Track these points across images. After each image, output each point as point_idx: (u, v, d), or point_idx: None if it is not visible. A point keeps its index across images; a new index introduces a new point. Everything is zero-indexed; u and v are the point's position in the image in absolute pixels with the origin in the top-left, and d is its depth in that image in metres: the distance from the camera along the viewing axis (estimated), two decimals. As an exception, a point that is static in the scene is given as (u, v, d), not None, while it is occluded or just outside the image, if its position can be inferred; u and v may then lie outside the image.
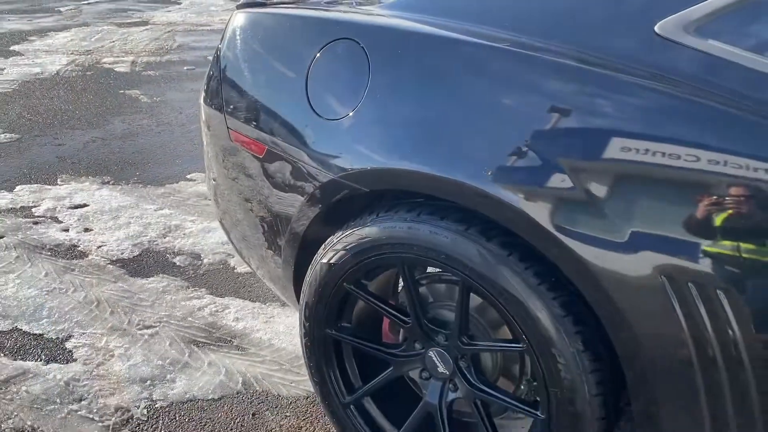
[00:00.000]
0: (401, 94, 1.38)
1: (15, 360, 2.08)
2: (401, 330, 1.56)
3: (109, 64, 5.84)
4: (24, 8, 8.63)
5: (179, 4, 9.17)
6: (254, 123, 1.62)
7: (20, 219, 3.00)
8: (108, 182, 3.42)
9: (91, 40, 6.77)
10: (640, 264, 1.11)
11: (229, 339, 2.20)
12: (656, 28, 1.19)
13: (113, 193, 3.29)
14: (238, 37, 1.74)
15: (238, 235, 1.90)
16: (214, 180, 1.92)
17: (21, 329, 2.23)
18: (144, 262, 2.67)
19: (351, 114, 1.42)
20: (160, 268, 2.63)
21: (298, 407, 1.90)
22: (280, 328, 2.25)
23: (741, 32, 1.16)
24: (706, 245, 1.07)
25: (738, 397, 1.10)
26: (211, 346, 2.15)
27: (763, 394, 1.08)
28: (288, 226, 1.62)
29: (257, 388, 1.97)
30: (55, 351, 2.12)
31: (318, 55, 1.50)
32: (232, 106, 1.69)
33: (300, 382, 1.99)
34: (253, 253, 1.86)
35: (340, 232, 1.48)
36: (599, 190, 1.13)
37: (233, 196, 1.82)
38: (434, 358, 1.48)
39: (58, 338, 2.18)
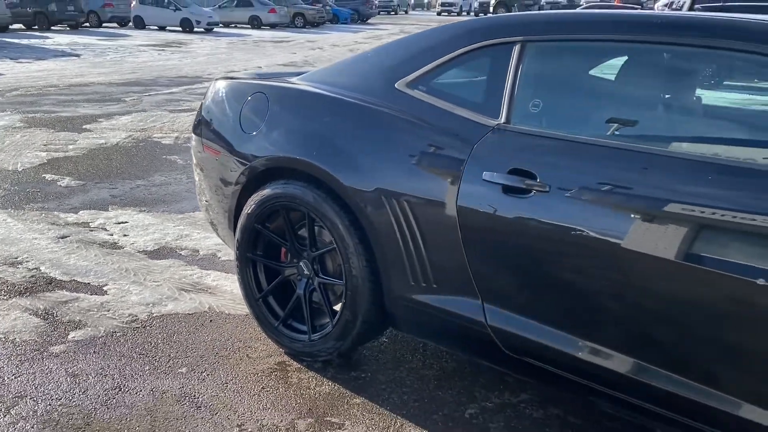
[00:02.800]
0: (281, 117, 2.66)
1: (71, 293, 3.33)
2: (288, 253, 2.76)
3: (158, 138, 7.35)
4: (96, 98, 10.38)
5: (223, 96, 10.90)
6: (214, 138, 2.92)
7: (81, 228, 4.33)
8: (144, 210, 4.75)
9: (146, 121, 8.34)
10: (377, 195, 2.32)
11: (206, 289, 3.42)
12: (396, 85, 2.45)
13: (146, 217, 4.61)
14: (216, 93, 3.06)
15: (222, 230, 3.14)
16: (207, 201, 3.16)
17: (76, 280, 3.49)
18: (160, 252, 3.93)
19: (258, 130, 2.70)
20: (170, 255, 3.89)
21: (239, 320, 3.09)
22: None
23: (430, 86, 2.40)
24: (399, 185, 2.28)
25: (418, 251, 2.27)
26: (193, 292, 3.38)
27: (429, 248, 2.25)
28: (232, 203, 2.87)
29: (216, 310, 3.17)
30: (96, 290, 3.37)
31: (248, 98, 2.81)
32: (205, 131, 2.99)
33: (243, 309, 3.17)
34: (229, 239, 3.08)
35: (253, 196, 2.72)
36: (361, 162, 2.37)
37: (219, 210, 3.05)
38: (302, 265, 2.68)
39: (98, 284, 3.44)
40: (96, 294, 3.33)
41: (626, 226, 1.84)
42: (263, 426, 2.30)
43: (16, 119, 8.24)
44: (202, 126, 3.03)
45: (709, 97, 2.33)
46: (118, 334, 2.92)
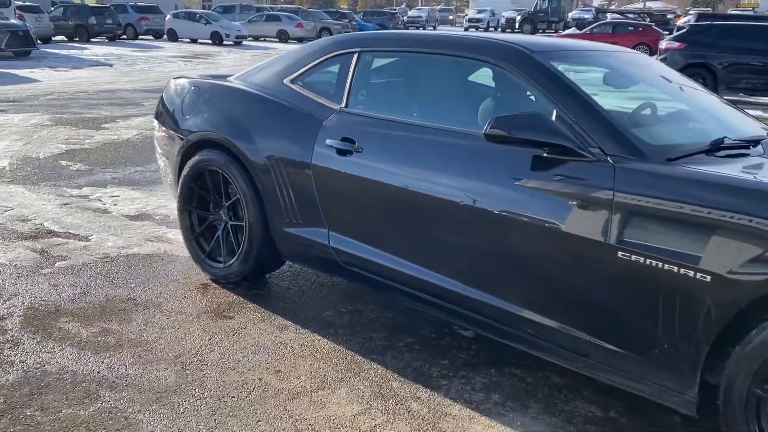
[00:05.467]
0: (207, 104, 3.66)
1: (63, 239, 4.37)
2: (212, 204, 3.75)
3: (163, 135, 8.46)
4: (119, 103, 11.59)
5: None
6: (168, 122, 3.93)
7: (81, 199, 5.38)
8: (135, 188, 5.80)
9: (157, 122, 9.48)
10: (264, 158, 3.30)
11: (166, 240, 4.42)
12: (284, 81, 3.44)
13: (136, 192, 5.65)
14: (171, 88, 4.07)
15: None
16: (170, 181, 4.18)
17: (69, 232, 4.53)
18: (139, 216, 4.96)
19: (192, 113, 3.71)
20: (146, 219, 4.91)
21: (184, 260, 4.07)
22: (193, 238, 4.46)
23: (305, 82, 3.37)
24: (278, 151, 3.26)
25: (289, 197, 3.24)
26: (156, 242, 4.39)
27: (296, 194, 3.21)
28: (176, 171, 3.87)
29: (171, 254, 4.17)
30: (83, 238, 4.40)
31: (191, 89, 3.82)
32: (162, 117, 4.01)
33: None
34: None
35: (187, 162, 3.72)
36: (254, 134, 3.35)
37: (176, 184, 4.07)
38: (221, 212, 3.67)
39: (86, 235, 4.47)
40: (82, 241, 4.36)
41: (408, 172, 2.79)
42: (178, 314, 3.29)
43: (46, 118, 9.44)
44: (161, 113, 4.05)
45: (459, 89, 3.26)
46: (91, 264, 3.94)
